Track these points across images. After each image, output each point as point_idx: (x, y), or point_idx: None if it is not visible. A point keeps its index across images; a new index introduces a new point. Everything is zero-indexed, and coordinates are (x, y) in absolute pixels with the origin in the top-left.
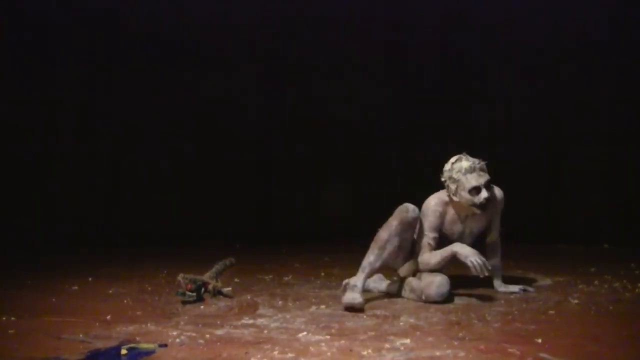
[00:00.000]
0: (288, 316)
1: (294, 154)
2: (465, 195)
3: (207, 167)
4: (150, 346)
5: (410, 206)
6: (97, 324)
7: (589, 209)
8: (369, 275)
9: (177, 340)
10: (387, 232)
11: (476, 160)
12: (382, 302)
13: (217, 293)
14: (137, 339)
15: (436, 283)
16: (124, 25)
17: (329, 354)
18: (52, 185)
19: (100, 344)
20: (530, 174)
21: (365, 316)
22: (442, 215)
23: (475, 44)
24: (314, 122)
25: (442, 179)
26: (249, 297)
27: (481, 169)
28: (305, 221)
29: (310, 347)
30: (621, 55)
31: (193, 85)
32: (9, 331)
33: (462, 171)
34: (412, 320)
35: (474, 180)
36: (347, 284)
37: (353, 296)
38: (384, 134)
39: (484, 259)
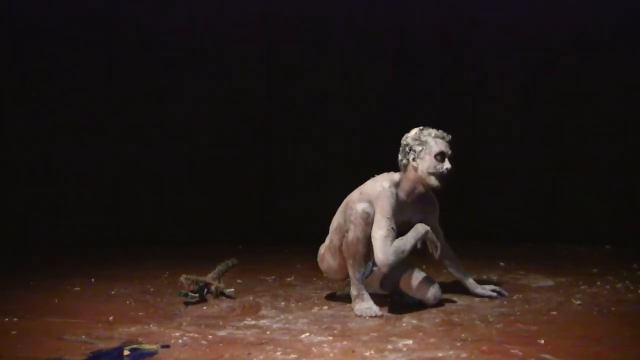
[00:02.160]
0: (290, 317)
1: (297, 154)
2: (430, 159)
3: (209, 167)
4: (153, 347)
5: (366, 209)
6: (99, 324)
7: (590, 209)
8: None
9: (180, 341)
10: (362, 245)
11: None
12: (385, 303)
13: (220, 294)
14: (140, 339)
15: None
16: (124, 23)
17: (331, 354)
18: (53, 185)
19: (103, 345)
20: (531, 174)
21: (366, 317)
22: (396, 199)
23: (475, 42)
24: (316, 122)
25: (404, 143)
26: (251, 298)
27: (449, 142)
28: (308, 221)
29: (313, 348)
30: (622, 55)
31: (193, 85)
32: (12, 332)
33: (432, 135)
34: (414, 321)
35: (443, 146)
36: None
37: (368, 305)
38: (384, 134)
39: None
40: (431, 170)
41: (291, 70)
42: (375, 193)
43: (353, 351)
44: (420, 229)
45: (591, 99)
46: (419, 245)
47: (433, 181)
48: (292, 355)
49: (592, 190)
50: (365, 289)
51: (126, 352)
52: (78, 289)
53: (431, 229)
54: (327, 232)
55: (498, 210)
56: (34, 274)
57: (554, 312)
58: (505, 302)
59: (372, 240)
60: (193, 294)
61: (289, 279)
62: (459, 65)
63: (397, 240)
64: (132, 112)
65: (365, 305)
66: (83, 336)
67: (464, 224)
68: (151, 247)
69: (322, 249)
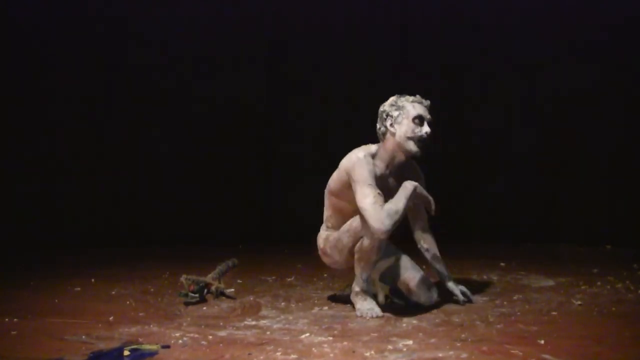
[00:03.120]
0: (291, 317)
1: (297, 154)
2: (408, 123)
3: (209, 167)
4: (153, 347)
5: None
6: (99, 325)
7: (590, 209)
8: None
9: (180, 341)
10: (376, 253)
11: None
12: (385, 304)
13: (220, 294)
14: (140, 340)
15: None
16: (127, 26)
17: (331, 355)
18: (53, 185)
19: (103, 345)
20: (532, 174)
21: (367, 318)
22: (373, 167)
23: (475, 43)
24: (316, 122)
25: (381, 110)
26: (251, 298)
27: (427, 107)
28: (308, 221)
29: (313, 349)
30: (622, 55)
31: (193, 84)
32: (12, 332)
33: (410, 100)
34: (414, 322)
35: (421, 109)
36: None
37: (370, 306)
38: None
39: None
40: (409, 135)
41: (292, 70)
42: (351, 164)
43: (353, 351)
44: (408, 186)
45: (591, 99)
46: (411, 204)
47: (412, 146)
48: (293, 356)
49: (592, 190)
50: (369, 290)
51: (126, 353)
52: (78, 289)
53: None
54: None
55: (498, 210)
56: (34, 274)
57: (554, 313)
58: (505, 303)
59: (361, 211)
60: (193, 294)
61: (289, 279)
62: (458, 65)
63: (387, 204)
64: (132, 111)
65: (367, 306)
66: (83, 336)
67: (464, 224)
68: (151, 247)
69: (321, 242)
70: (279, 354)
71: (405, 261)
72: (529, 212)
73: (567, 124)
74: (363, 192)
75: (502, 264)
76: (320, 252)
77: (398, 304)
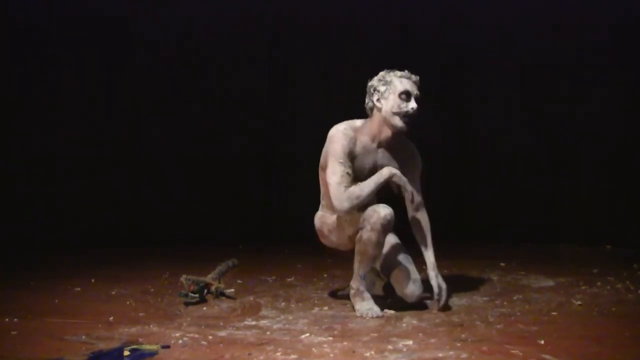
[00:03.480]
0: (291, 317)
1: (297, 154)
2: (395, 99)
3: (209, 167)
4: (153, 347)
5: (388, 215)
6: (99, 325)
7: (590, 209)
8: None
9: (180, 341)
10: (373, 248)
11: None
12: (385, 303)
13: (220, 294)
14: (140, 340)
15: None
16: (127, 26)
17: (331, 355)
18: (53, 185)
19: (103, 345)
20: (531, 174)
21: (367, 318)
22: (353, 141)
23: (475, 43)
24: (317, 122)
25: (369, 85)
26: (251, 299)
27: (416, 82)
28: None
29: (313, 349)
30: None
31: (193, 84)
32: (12, 332)
33: (397, 75)
34: (414, 322)
35: (408, 85)
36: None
37: (370, 306)
38: None
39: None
40: (395, 110)
41: (292, 69)
42: (329, 137)
43: (353, 352)
44: (384, 171)
45: (591, 99)
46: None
47: (397, 121)
48: (293, 356)
49: (592, 190)
50: (366, 288)
51: (126, 353)
52: (78, 289)
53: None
54: None
55: (498, 211)
56: (34, 274)
57: (554, 313)
58: (505, 303)
59: (328, 186)
60: (193, 295)
61: (289, 280)
62: (458, 65)
63: (353, 186)
64: (132, 111)
65: (366, 306)
66: (83, 336)
67: (465, 224)
68: (151, 247)
69: (317, 222)
70: (279, 354)
71: (402, 257)
72: (529, 212)
73: (567, 124)
74: (332, 169)
75: (502, 264)
76: (318, 234)
77: (397, 303)
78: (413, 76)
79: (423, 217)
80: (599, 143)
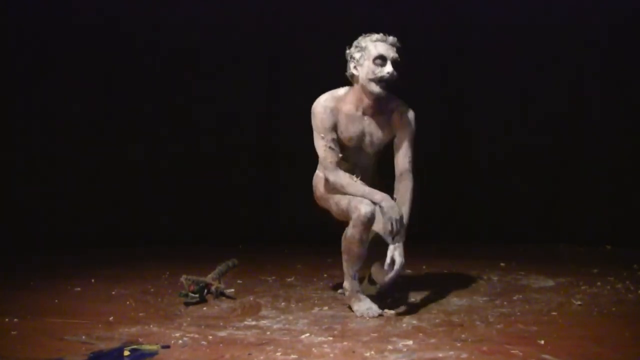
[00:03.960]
0: (291, 317)
1: (297, 154)
2: (369, 65)
3: (208, 166)
4: (153, 347)
5: (368, 214)
6: (99, 325)
7: (590, 209)
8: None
9: (180, 341)
10: (357, 246)
11: (391, 37)
12: (385, 303)
13: (220, 294)
14: (140, 340)
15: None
16: (126, 27)
17: (331, 355)
18: (53, 185)
19: (103, 345)
20: (531, 174)
21: (367, 318)
22: (335, 112)
23: (475, 43)
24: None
25: (346, 52)
26: (251, 299)
27: (393, 44)
28: (308, 221)
29: (313, 349)
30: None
31: (193, 85)
32: (12, 332)
33: (373, 39)
34: (414, 322)
35: (382, 49)
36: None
37: (368, 306)
38: None
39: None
40: (370, 76)
41: (292, 70)
42: (312, 110)
43: (353, 352)
44: (377, 197)
45: (591, 99)
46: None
47: (373, 87)
48: (293, 356)
49: (592, 190)
50: (360, 289)
51: (126, 353)
52: (78, 289)
53: (397, 149)
54: (326, 234)
55: (498, 211)
56: (34, 274)
57: (554, 313)
58: (505, 303)
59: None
60: (193, 295)
61: (289, 280)
62: (457, 65)
63: (342, 175)
64: (131, 111)
65: (365, 306)
66: (83, 337)
67: (464, 224)
68: (151, 247)
69: (315, 179)
70: (279, 354)
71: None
72: (529, 212)
73: (566, 124)
74: (316, 143)
75: (502, 264)
76: (315, 195)
77: (397, 303)
78: (390, 38)
79: (405, 185)
80: (599, 143)
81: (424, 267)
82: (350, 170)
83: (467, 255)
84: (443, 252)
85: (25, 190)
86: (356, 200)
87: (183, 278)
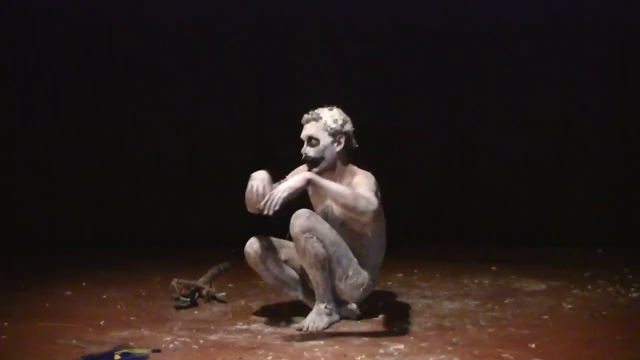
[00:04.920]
0: (282, 321)
1: (288, 158)
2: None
3: (201, 170)
4: (144, 351)
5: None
6: (91, 329)
7: (583, 213)
8: None
9: (171, 345)
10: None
11: (315, 111)
12: (376, 307)
13: (211, 298)
14: (131, 344)
15: None
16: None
17: (322, 359)
18: (45, 189)
19: (94, 349)
20: (524, 178)
21: (359, 322)
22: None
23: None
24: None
25: None
26: (243, 303)
27: (307, 121)
28: None
29: (304, 353)
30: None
31: (192, 87)
32: (2, 336)
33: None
34: (406, 326)
35: (303, 131)
36: None
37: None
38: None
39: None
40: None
41: (288, 71)
42: None
43: (345, 355)
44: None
45: (582, 107)
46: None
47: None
48: None
49: (584, 194)
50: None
51: (117, 357)
52: (69, 292)
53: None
54: None
55: (490, 214)
56: (25, 278)
57: (545, 316)
58: (497, 306)
59: None
60: (184, 298)
61: None
62: (453, 69)
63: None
64: (127, 113)
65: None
66: (74, 340)
67: (457, 227)
68: (143, 250)
69: None
70: (270, 358)
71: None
72: (522, 215)
73: (560, 130)
74: None
75: (494, 267)
76: None
77: (387, 307)
78: (304, 117)
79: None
80: (592, 148)
81: (415, 270)
82: None
83: (459, 258)
84: (434, 255)
85: (14, 194)
86: None
87: (174, 282)
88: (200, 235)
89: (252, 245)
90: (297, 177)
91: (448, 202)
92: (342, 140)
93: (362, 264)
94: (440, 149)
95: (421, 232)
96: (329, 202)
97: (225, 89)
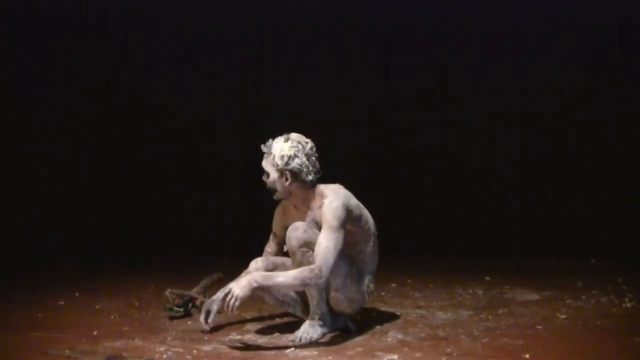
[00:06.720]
0: (276, 332)
1: None
2: None
3: (193, 179)
4: None
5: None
6: (83, 339)
7: (576, 223)
8: None
9: (165, 355)
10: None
11: (268, 143)
12: (370, 317)
13: None
14: (124, 354)
15: None
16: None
17: None
18: (36, 198)
19: (87, 359)
20: (516, 188)
21: (353, 332)
22: (285, 208)
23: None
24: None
25: None
26: (236, 313)
27: (265, 152)
28: None
29: None
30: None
31: (190, 89)
32: None
33: None
34: (399, 336)
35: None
36: None
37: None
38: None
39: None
40: None
41: (284, 76)
42: None
43: None
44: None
45: (576, 114)
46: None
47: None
48: None
49: (576, 204)
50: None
51: None
52: (62, 303)
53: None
54: None
55: (483, 224)
56: (17, 287)
57: (539, 327)
58: (490, 317)
59: None
60: (178, 308)
61: None
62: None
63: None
64: (123, 117)
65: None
66: (67, 351)
67: (449, 237)
68: (136, 260)
69: None
70: None
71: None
72: (514, 225)
73: (553, 139)
74: None
75: (487, 277)
76: None
77: (382, 317)
78: (262, 148)
79: (302, 268)
80: (585, 157)
81: (409, 280)
82: None
83: (452, 268)
84: (428, 265)
85: (6, 202)
86: None
87: (168, 292)
88: (193, 245)
89: (257, 264)
90: (244, 285)
91: (441, 213)
92: (289, 176)
93: (361, 269)
94: (432, 158)
95: (415, 243)
96: (308, 217)
97: (225, 89)
